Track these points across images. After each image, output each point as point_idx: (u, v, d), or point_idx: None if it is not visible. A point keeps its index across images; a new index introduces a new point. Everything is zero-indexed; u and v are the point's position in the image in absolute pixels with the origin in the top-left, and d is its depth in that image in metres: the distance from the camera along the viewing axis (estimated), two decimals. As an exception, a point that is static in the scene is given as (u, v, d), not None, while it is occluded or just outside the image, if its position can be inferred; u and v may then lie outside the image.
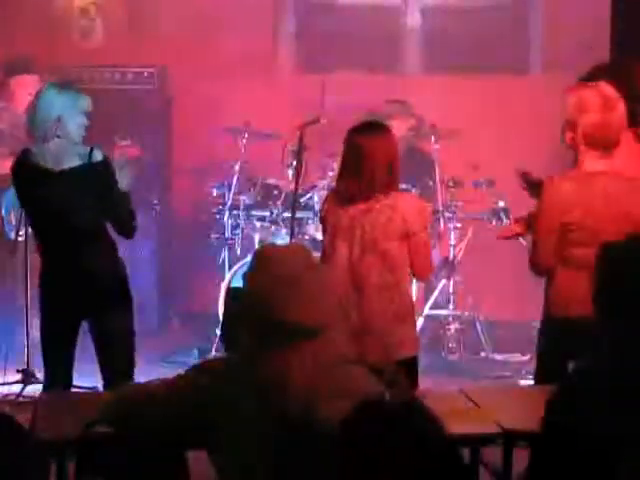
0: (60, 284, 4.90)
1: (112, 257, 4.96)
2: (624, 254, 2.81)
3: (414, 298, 7.02)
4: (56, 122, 4.83)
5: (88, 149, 4.86)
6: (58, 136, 4.84)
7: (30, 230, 5.83)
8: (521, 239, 6.91)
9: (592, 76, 4.81)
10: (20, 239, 6.48)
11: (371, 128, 4.69)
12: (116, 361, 4.91)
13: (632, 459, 2.43)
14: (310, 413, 2.65)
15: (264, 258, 2.80)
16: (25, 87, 7.37)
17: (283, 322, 2.69)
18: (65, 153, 4.85)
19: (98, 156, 4.85)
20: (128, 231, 4.99)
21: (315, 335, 2.72)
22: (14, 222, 7.01)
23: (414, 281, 5.76)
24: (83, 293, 4.87)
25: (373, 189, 4.55)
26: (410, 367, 4.54)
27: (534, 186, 4.83)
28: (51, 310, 4.93)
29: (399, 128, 7.72)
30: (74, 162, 4.84)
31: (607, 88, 4.47)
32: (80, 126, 4.91)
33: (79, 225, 4.85)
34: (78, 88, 5.11)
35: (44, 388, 5.07)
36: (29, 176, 4.87)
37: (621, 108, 4.41)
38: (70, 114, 4.87)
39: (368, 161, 4.54)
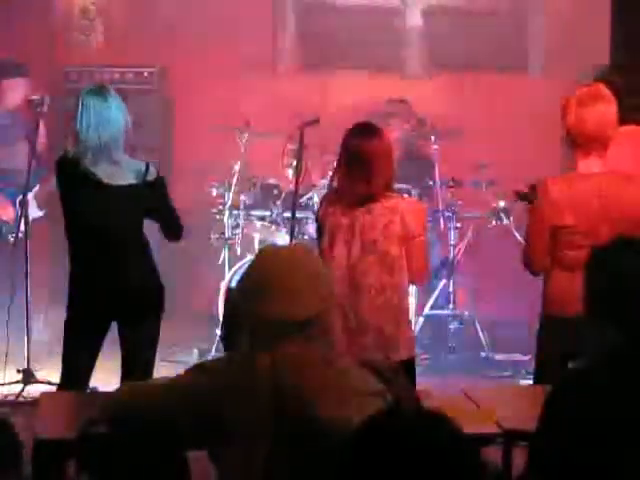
0: (91, 285, 4.90)
1: (144, 260, 4.95)
2: (612, 256, 2.82)
3: (414, 298, 7.05)
4: (108, 129, 4.80)
5: (144, 166, 4.85)
6: (109, 144, 4.81)
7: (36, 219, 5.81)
8: (520, 238, 6.93)
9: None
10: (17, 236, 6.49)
11: (370, 130, 4.69)
12: (138, 367, 4.91)
13: (631, 458, 2.43)
14: (309, 412, 2.65)
15: (257, 258, 2.82)
16: (16, 90, 7.40)
17: (275, 321, 2.70)
18: (120, 167, 4.84)
19: (153, 174, 4.85)
20: (176, 235, 5.06)
21: (309, 333, 2.72)
22: (10, 222, 7.01)
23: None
24: (112, 296, 4.87)
25: (379, 190, 4.55)
26: (407, 369, 4.55)
27: (526, 195, 4.82)
28: (79, 310, 4.92)
29: (399, 128, 7.73)
30: (129, 179, 4.83)
31: (592, 88, 4.48)
32: (127, 129, 4.89)
33: (117, 235, 4.86)
34: (115, 90, 5.06)
35: (58, 389, 5.07)
36: (78, 185, 4.83)
37: (601, 106, 4.39)
38: (122, 118, 4.85)
39: (373, 163, 4.54)
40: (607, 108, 4.39)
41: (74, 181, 4.84)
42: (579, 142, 4.40)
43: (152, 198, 4.87)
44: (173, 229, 5.05)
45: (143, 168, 4.86)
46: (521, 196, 4.93)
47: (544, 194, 4.40)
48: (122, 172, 4.83)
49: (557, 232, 4.36)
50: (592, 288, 2.82)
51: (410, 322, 4.79)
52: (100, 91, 4.91)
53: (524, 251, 4.54)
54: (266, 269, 2.75)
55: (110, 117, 4.81)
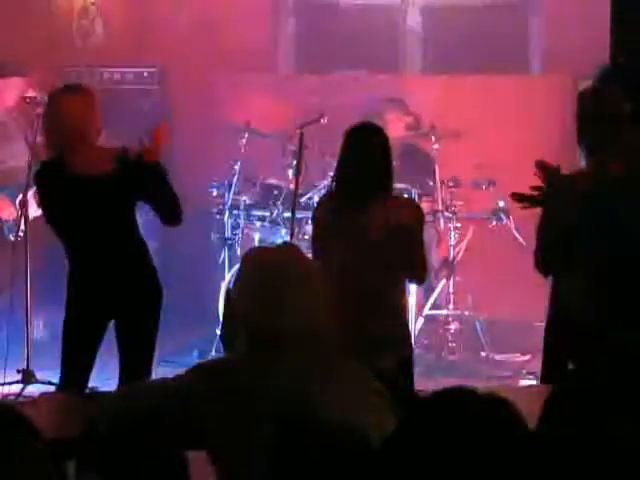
0: (87, 285, 4.90)
1: (140, 259, 4.95)
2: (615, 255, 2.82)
3: (414, 298, 7.05)
4: (80, 126, 4.81)
5: (120, 151, 4.84)
6: (83, 141, 4.82)
7: (24, 223, 5.81)
8: (520, 238, 6.93)
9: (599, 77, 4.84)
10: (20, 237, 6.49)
11: (370, 129, 4.70)
12: (137, 367, 4.91)
13: (632, 460, 2.42)
14: (308, 414, 2.65)
15: (248, 263, 2.81)
16: (13, 89, 7.42)
17: (272, 324, 2.70)
18: (96, 158, 4.83)
19: (131, 157, 4.84)
20: (174, 220, 4.95)
21: (306, 335, 2.72)
22: (11, 221, 7.02)
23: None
24: (110, 295, 4.87)
25: (376, 190, 4.55)
26: (404, 368, 4.55)
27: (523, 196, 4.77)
28: (76, 310, 4.93)
29: (396, 128, 7.72)
30: (107, 167, 4.82)
31: (602, 88, 4.48)
32: (98, 127, 4.90)
33: (109, 230, 4.85)
34: (89, 88, 5.07)
35: (57, 389, 5.07)
36: (61, 186, 4.83)
37: (611, 107, 4.38)
38: (91, 116, 4.85)
39: (371, 162, 4.55)
40: (622, 108, 4.39)
41: (50, 184, 4.86)
42: (593, 141, 4.38)
43: (134, 182, 4.82)
44: (168, 211, 4.92)
45: (120, 152, 4.84)
46: (518, 198, 4.91)
47: (557, 192, 4.39)
48: (98, 163, 4.82)
49: (568, 231, 4.34)
50: (593, 288, 2.83)
51: (407, 322, 4.79)
52: (55, 91, 4.97)
53: (536, 250, 4.51)
54: (259, 275, 2.74)
55: (60, 113, 4.82)
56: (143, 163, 4.78)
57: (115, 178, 4.79)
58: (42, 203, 5.00)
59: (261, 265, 2.76)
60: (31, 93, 6.59)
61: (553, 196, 4.39)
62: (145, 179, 4.81)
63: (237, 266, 7.17)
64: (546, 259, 4.45)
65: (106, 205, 4.82)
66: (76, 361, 4.93)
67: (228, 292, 2.88)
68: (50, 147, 4.89)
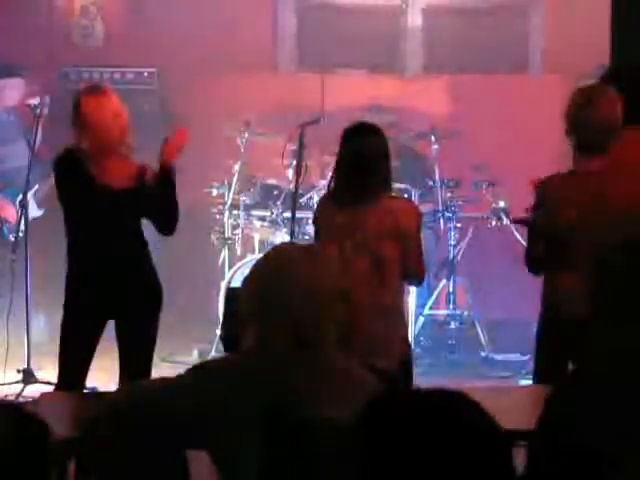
0: (87, 284, 4.90)
1: (141, 259, 4.96)
2: (619, 257, 2.82)
3: (414, 298, 7.05)
4: (107, 129, 4.79)
5: (139, 168, 4.84)
6: (109, 144, 4.81)
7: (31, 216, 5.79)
8: (520, 238, 6.93)
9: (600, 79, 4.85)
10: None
11: (368, 129, 4.68)
12: (136, 367, 4.91)
13: (630, 459, 2.43)
14: (309, 413, 2.65)
15: (266, 258, 2.81)
16: (12, 89, 7.43)
17: (275, 324, 2.70)
18: (117, 170, 4.82)
19: (149, 177, 4.83)
20: (170, 230, 5.00)
21: (310, 336, 2.72)
22: (12, 222, 7.02)
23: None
24: (110, 295, 4.87)
25: (373, 190, 4.55)
26: (404, 368, 4.55)
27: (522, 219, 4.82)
28: (76, 309, 4.92)
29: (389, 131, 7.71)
30: (125, 182, 4.82)
31: (596, 87, 4.48)
32: (125, 128, 4.89)
33: (115, 233, 4.85)
34: (114, 89, 5.06)
35: (55, 388, 5.07)
36: (77, 186, 4.83)
37: (606, 107, 4.37)
38: (118, 117, 4.84)
39: (369, 162, 4.54)
40: (613, 107, 4.38)
41: (72, 181, 4.84)
42: (583, 140, 4.38)
43: (147, 201, 4.84)
44: (169, 221, 4.96)
45: (139, 170, 4.84)
46: (517, 220, 4.93)
47: (546, 193, 4.40)
48: (119, 173, 4.83)
49: (558, 231, 4.35)
50: (594, 288, 2.83)
51: (404, 322, 4.79)
52: (99, 89, 4.93)
53: (526, 251, 4.53)
54: (271, 273, 2.74)
55: (110, 115, 4.81)
56: (161, 180, 4.81)
57: (132, 195, 4.79)
58: (57, 188, 4.96)
59: (273, 267, 2.75)
60: (32, 100, 6.57)
61: (540, 204, 4.42)
62: (159, 196, 4.84)
63: (237, 266, 7.23)
64: (537, 259, 4.47)
65: (118, 215, 4.83)
66: (74, 360, 4.93)
67: (228, 292, 2.88)
68: (79, 145, 4.84)
